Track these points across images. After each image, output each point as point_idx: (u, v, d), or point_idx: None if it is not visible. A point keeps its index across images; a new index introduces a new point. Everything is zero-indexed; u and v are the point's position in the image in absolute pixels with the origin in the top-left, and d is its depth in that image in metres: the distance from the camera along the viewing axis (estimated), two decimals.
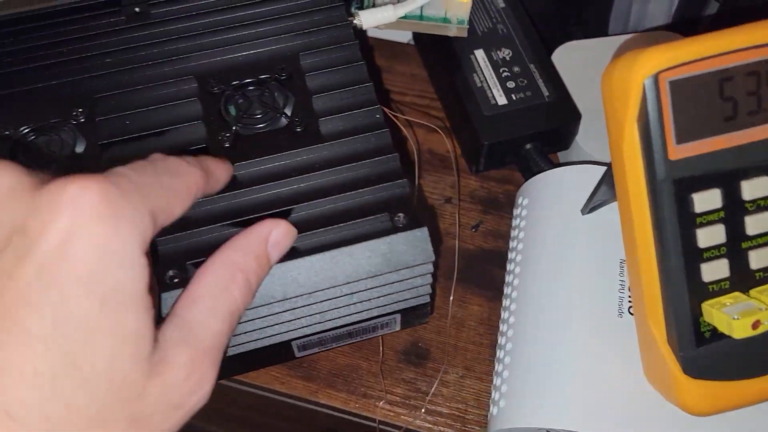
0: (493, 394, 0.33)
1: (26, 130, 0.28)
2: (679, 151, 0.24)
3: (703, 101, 0.24)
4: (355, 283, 0.25)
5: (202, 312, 0.20)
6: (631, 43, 0.44)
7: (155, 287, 0.22)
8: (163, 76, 0.29)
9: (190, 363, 0.19)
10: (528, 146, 0.41)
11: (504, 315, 0.35)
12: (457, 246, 0.40)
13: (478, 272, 0.40)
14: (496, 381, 0.33)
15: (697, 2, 0.46)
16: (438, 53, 0.44)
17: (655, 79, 0.23)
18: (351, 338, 0.29)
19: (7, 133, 0.28)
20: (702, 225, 0.25)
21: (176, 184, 0.21)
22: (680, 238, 0.25)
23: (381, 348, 0.37)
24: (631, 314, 0.30)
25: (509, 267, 0.36)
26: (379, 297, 0.26)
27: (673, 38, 0.44)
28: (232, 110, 0.29)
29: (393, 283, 0.26)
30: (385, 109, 0.29)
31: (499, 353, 0.34)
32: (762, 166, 0.25)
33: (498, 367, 0.33)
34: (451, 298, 0.38)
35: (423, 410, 0.35)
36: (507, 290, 0.36)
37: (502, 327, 0.34)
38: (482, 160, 0.41)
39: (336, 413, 0.37)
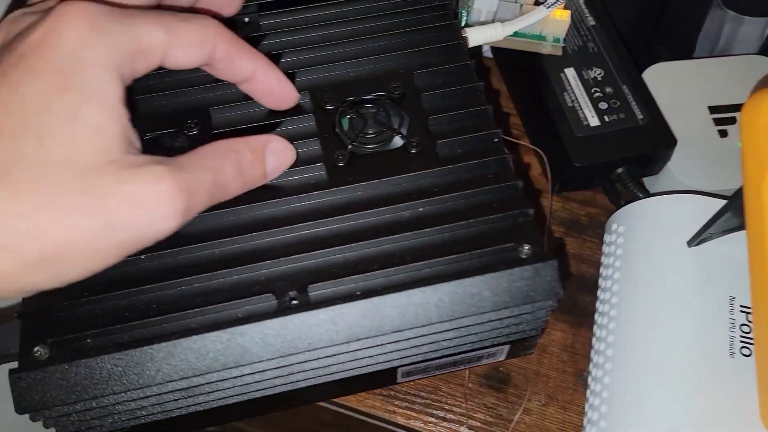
0: (587, 429, 0.32)
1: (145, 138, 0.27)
2: None
3: None
4: (470, 317, 0.24)
5: (191, 159, 0.21)
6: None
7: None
8: None
9: (160, 180, 0.20)
10: (620, 170, 0.40)
11: (599, 346, 0.34)
12: None
13: (561, 297, 0.39)
14: (592, 415, 0.32)
15: None
16: (526, 70, 0.43)
17: None
18: (455, 366, 0.28)
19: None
20: None
21: (185, 27, 0.22)
22: None
23: (467, 372, 0.36)
24: (744, 355, 0.29)
25: (604, 296, 0.35)
26: (494, 330, 0.26)
27: None
28: (346, 127, 0.28)
29: (512, 317, 0.25)
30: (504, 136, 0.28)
31: (595, 386, 0.32)
32: None
33: (593, 401, 0.32)
34: None
35: None
36: (601, 320, 0.34)
37: (597, 358, 0.33)
38: (571, 182, 0.40)
39: None
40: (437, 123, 0.28)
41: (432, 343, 0.25)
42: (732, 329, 0.30)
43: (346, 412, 0.37)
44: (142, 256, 0.25)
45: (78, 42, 0.20)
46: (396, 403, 0.35)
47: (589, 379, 0.34)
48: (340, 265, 0.25)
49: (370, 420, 0.37)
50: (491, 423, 0.35)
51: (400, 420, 0.36)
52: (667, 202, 0.35)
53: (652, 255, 0.33)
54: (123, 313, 0.24)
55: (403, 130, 0.28)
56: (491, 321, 0.25)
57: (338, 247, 0.25)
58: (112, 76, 0.20)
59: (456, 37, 0.30)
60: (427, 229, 0.25)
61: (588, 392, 0.33)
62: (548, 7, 0.33)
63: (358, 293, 0.24)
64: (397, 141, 0.28)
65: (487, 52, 0.48)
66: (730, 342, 0.30)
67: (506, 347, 0.28)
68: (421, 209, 0.26)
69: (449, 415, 0.35)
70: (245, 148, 0.24)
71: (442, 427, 0.35)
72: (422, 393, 0.36)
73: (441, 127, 0.28)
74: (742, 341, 0.29)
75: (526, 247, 0.25)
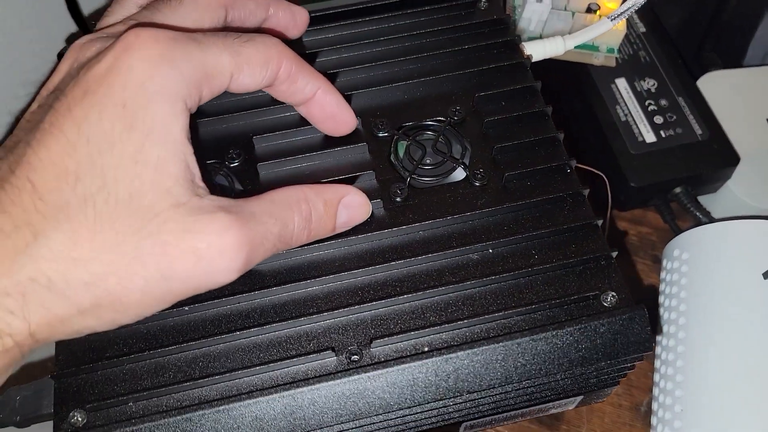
0: None
1: None
2: None
3: None
4: (548, 374, 0.22)
5: (259, 207, 0.20)
6: None
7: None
8: None
9: (225, 231, 0.19)
10: (678, 190, 0.37)
11: (661, 374, 0.31)
12: None
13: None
14: None
15: None
16: (572, 80, 0.40)
17: None
18: (521, 417, 0.26)
19: None
20: None
21: (250, 48, 0.21)
22: None
23: None
24: None
25: (667, 327, 0.33)
26: (573, 385, 0.23)
27: None
28: (404, 157, 0.25)
29: (596, 372, 0.22)
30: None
31: (661, 428, 0.30)
32: None
33: None
34: None
35: None
36: (664, 353, 0.32)
37: (663, 398, 0.31)
38: (626, 202, 0.38)
39: None
40: (503, 152, 0.25)
41: (505, 400, 0.23)
42: None
43: None
44: (186, 308, 0.22)
45: (145, 75, 0.19)
46: None
47: (653, 420, 0.31)
48: (403, 316, 0.22)
49: None
50: None
51: None
52: (738, 228, 0.32)
53: (724, 286, 0.31)
54: (166, 373, 0.21)
55: (466, 160, 0.25)
56: (571, 378, 0.23)
57: (402, 297, 0.22)
58: (177, 108, 0.19)
59: (519, 55, 0.28)
60: (497, 276, 0.23)
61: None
62: (612, 20, 0.31)
63: (426, 349, 0.22)
64: (459, 173, 0.25)
65: None
66: None
67: (578, 398, 0.25)
68: (490, 251, 0.23)
69: None
70: (318, 200, 0.22)
71: None
72: None
73: (507, 157, 0.25)
74: None
75: (611, 294, 0.22)
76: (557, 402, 0.25)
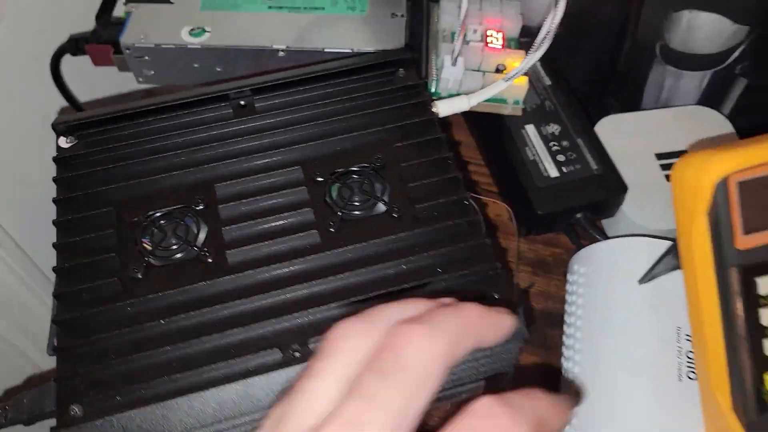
0: None
1: (154, 215, 0.31)
2: (745, 241, 0.28)
3: None
4: None
5: None
6: (684, 123, 0.48)
7: None
8: (273, 165, 0.33)
9: None
10: (579, 216, 0.44)
11: (566, 376, 0.38)
12: None
13: (531, 332, 0.43)
14: None
15: (725, 80, 0.50)
16: (491, 127, 0.48)
17: (725, 180, 0.27)
18: (438, 403, 0.32)
19: (135, 219, 0.31)
20: (765, 305, 0.28)
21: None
22: (745, 316, 0.28)
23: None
24: (690, 378, 0.33)
25: (569, 331, 0.39)
26: (470, 368, 0.29)
27: (729, 137, 0.48)
28: (335, 196, 0.32)
29: (483, 357, 0.29)
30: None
31: None
32: None
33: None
34: None
35: None
36: (568, 353, 0.38)
37: (566, 388, 0.37)
38: (535, 227, 0.45)
39: None
40: (415, 190, 0.32)
41: None
42: (679, 356, 0.34)
43: None
44: (162, 321, 0.28)
45: None
46: None
47: None
48: (336, 320, 0.28)
49: None
50: None
51: None
52: (621, 245, 0.39)
53: (610, 292, 0.38)
54: (147, 372, 0.27)
55: (386, 198, 0.32)
56: (466, 361, 0.29)
57: (334, 304, 0.29)
58: None
59: (428, 113, 0.35)
60: (409, 286, 0.29)
61: None
62: (507, 81, 0.38)
63: None
64: (381, 207, 0.32)
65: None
66: (678, 367, 0.34)
67: (482, 384, 0.32)
68: (404, 267, 0.30)
69: None
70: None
71: None
72: None
73: (418, 194, 0.32)
74: (688, 366, 0.34)
75: (496, 296, 0.29)
76: (464, 388, 0.31)
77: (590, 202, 0.44)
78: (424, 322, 0.19)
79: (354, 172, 0.33)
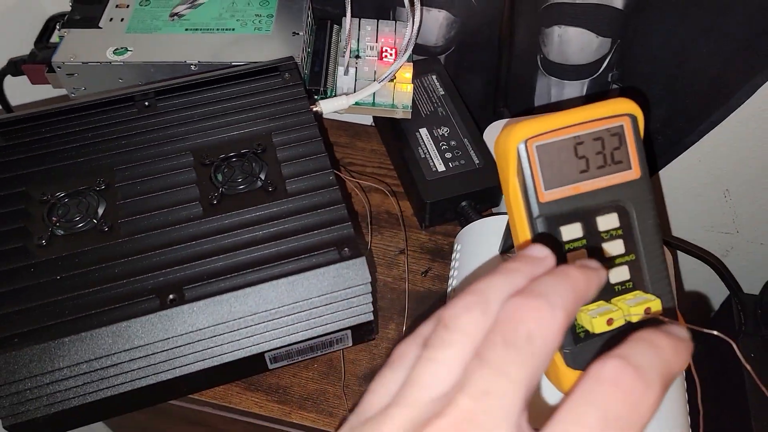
0: None
1: (60, 195, 0.36)
2: (547, 196, 0.33)
3: (563, 159, 0.33)
4: (309, 300, 0.33)
5: None
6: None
7: None
8: (167, 153, 0.38)
9: None
10: (463, 203, 0.50)
11: None
12: (407, 288, 0.48)
13: (427, 310, 0.48)
14: None
15: (601, 87, 0.57)
16: (391, 131, 0.54)
17: (526, 144, 0.33)
18: (313, 352, 0.37)
19: (44, 198, 0.36)
20: (570, 251, 0.33)
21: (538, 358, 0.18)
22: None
23: (343, 374, 0.44)
24: None
25: (449, 292, 0.44)
26: (331, 314, 0.34)
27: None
28: (220, 177, 0.38)
29: (340, 301, 0.34)
30: (339, 174, 0.38)
31: None
32: (611, 205, 0.33)
33: None
34: (404, 329, 0.46)
35: None
36: None
37: None
38: (427, 216, 0.50)
39: None
40: (288, 169, 0.38)
41: (283, 327, 0.34)
42: None
43: (248, 419, 0.45)
44: (58, 276, 0.33)
45: None
46: (291, 405, 0.43)
47: None
48: (209, 273, 0.33)
49: (268, 424, 0.45)
50: None
51: (295, 419, 0.43)
52: (486, 223, 0.45)
53: (476, 264, 0.43)
54: (41, 317, 0.32)
55: (262, 176, 0.37)
56: (326, 305, 0.34)
57: (208, 259, 0.34)
58: None
59: (305, 107, 0.41)
60: (276, 242, 0.34)
61: None
62: (380, 82, 0.44)
63: (220, 289, 0.33)
64: (259, 184, 0.37)
65: (372, 123, 0.59)
66: None
67: (349, 332, 0.36)
68: (273, 229, 0.35)
69: (335, 411, 0.43)
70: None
71: (327, 421, 0.42)
72: (313, 396, 0.43)
73: (290, 171, 0.38)
74: None
75: (346, 249, 0.34)
76: (333, 336, 0.36)
77: (473, 191, 0.49)
78: (540, 296, 0.19)
79: (237, 155, 0.38)
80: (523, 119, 0.33)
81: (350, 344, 0.37)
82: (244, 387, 0.43)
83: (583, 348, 0.34)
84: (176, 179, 0.37)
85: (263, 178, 0.37)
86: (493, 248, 0.42)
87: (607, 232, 0.34)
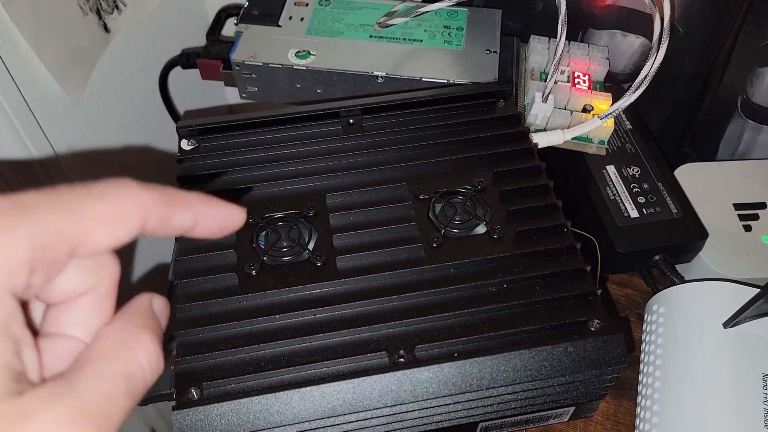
0: None
1: (268, 218, 0.33)
2: None
3: None
4: (550, 379, 0.29)
5: (90, 372, 0.18)
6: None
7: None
8: (380, 181, 0.34)
9: (55, 423, 0.16)
10: (657, 257, 0.45)
11: (643, 415, 0.38)
12: None
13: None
14: None
15: None
16: (572, 165, 0.49)
17: None
18: (526, 424, 0.33)
19: (251, 220, 0.33)
20: None
21: (97, 206, 0.18)
22: None
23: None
24: None
25: (647, 370, 0.39)
26: (565, 393, 0.30)
27: None
28: (439, 214, 0.34)
29: (580, 381, 0.29)
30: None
31: None
32: None
33: None
34: None
35: None
36: (645, 391, 0.39)
37: (643, 426, 0.37)
38: (612, 265, 0.45)
39: None
40: (515, 214, 0.34)
41: (514, 401, 0.30)
42: (766, 403, 0.34)
43: None
44: (277, 316, 0.30)
45: None
46: None
47: None
48: (438, 330, 0.30)
49: None
50: None
51: None
52: (704, 288, 0.40)
53: (692, 335, 0.38)
54: (259, 364, 0.29)
55: (487, 219, 0.33)
56: (566, 384, 0.29)
57: (437, 315, 0.30)
58: None
59: (527, 142, 0.36)
60: (511, 303, 0.30)
61: None
62: (602, 119, 0.40)
63: (455, 354, 0.29)
64: (481, 228, 0.33)
65: None
66: (765, 415, 0.34)
67: (571, 409, 0.32)
68: (505, 286, 0.31)
69: None
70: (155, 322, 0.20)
71: None
72: None
73: (518, 218, 0.33)
74: None
75: (596, 321, 0.30)
76: (554, 411, 0.32)
77: (671, 244, 0.44)
78: None
79: (457, 192, 0.34)
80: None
81: (566, 420, 0.33)
82: None
83: None
84: (394, 214, 0.33)
85: (488, 222, 0.33)
86: (714, 319, 0.37)
87: None
